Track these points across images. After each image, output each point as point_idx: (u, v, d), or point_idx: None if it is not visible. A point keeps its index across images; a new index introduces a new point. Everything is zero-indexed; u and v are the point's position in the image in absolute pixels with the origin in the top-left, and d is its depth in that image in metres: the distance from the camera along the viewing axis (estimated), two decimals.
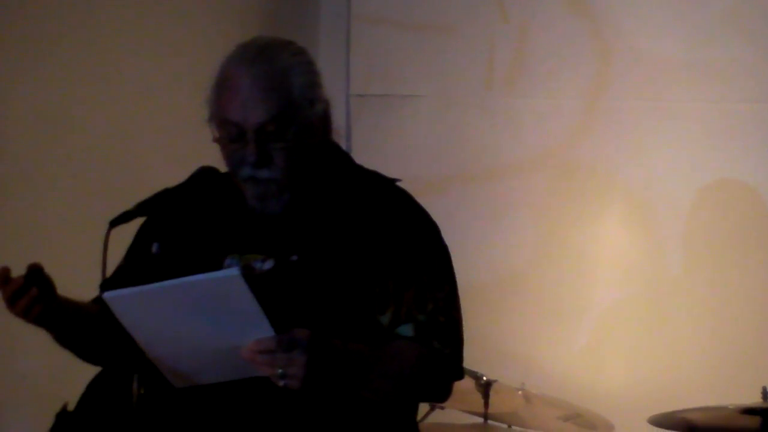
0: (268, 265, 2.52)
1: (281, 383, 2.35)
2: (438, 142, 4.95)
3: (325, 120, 2.58)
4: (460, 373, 2.56)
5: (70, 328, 2.54)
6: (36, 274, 2.44)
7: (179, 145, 4.05)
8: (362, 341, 2.46)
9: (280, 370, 2.34)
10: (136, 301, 2.39)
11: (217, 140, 2.53)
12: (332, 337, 2.41)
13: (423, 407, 3.91)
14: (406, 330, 2.48)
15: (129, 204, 2.58)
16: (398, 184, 2.63)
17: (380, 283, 2.50)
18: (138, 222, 2.61)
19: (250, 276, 2.37)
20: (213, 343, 2.39)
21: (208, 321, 2.36)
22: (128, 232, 2.59)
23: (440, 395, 2.57)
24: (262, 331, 2.34)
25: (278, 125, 2.49)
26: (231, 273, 2.34)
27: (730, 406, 3.44)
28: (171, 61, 4.46)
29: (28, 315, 2.44)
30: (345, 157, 2.66)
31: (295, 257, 2.50)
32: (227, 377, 2.44)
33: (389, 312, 2.49)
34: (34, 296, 2.42)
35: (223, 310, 2.35)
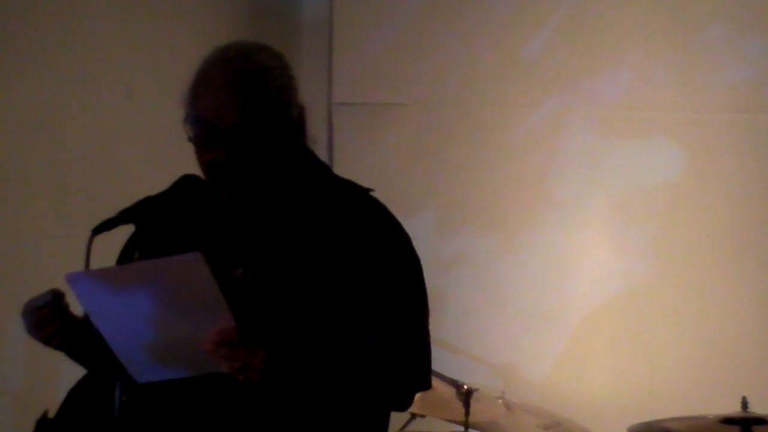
0: (240, 270, 2.52)
1: (241, 377, 2.35)
2: (420, 151, 4.95)
3: (300, 125, 2.58)
4: (426, 382, 2.54)
5: (84, 347, 2.55)
6: (59, 300, 2.48)
7: (162, 151, 4.04)
8: (327, 344, 2.45)
9: (239, 364, 2.34)
10: (98, 283, 2.37)
11: (191, 140, 2.53)
12: (294, 336, 2.42)
13: (403, 416, 3.93)
14: (371, 336, 2.47)
15: (112, 211, 2.58)
16: (373, 193, 2.63)
17: (348, 290, 2.49)
18: (122, 230, 2.60)
19: (222, 279, 2.36)
20: (173, 331, 2.37)
21: (169, 306, 2.35)
22: (110, 239, 2.59)
23: (401, 403, 2.55)
24: (223, 318, 2.33)
25: (252, 125, 2.49)
26: (193, 255, 2.32)
27: (710, 416, 3.45)
28: (153, 66, 4.46)
29: (51, 341, 2.52)
30: (319, 165, 2.66)
31: (240, 270, 2.50)
32: (188, 372, 2.43)
33: (356, 318, 2.48)
34: (57, 325, 2.49)
35: (185, 294, 2.34)
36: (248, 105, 2.49)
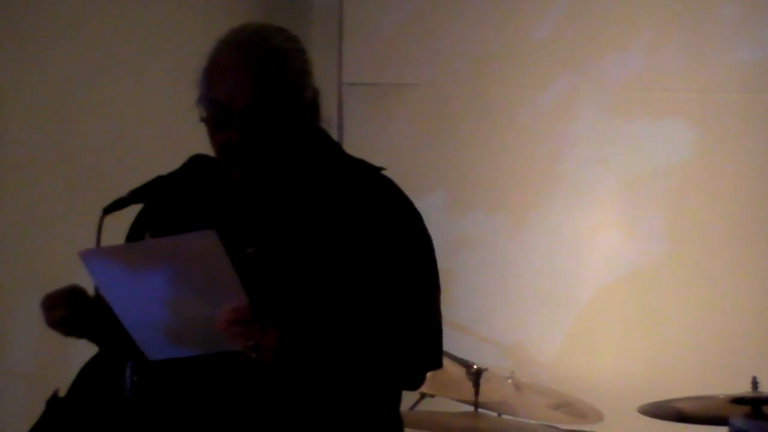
0: (252, 250, 2.53)
1: (254, 355, 2.36)
2: (429, 131, 4.95)
3: (314, 108, 2.58)
4: (437, 361, 2.55)
5: (96, 325, 2.56)
6: (70, 296, 2.51)
7: (174, 134, 4.05)
8: (339, 324, 2.46)
9: (252, 342, 2.35)
10: (111, 260, 2.38)
11: (203, 120, 2.53)
12: (307, 316, 2.42)
13: (413, 396, 3.94)
14: (384, 315, 2.48)
15: (123, 192, 2.58)
16: (384, 173, 2.63)
17: (361, 269, 2.50)
18: (134, 210, 2.61)
19: (234, 258, 2.36)
20: (186, 309, 2.38)
21: (182, 284, 2.35)
22: (122, 219, 2.59)
23: (413, 382, 2.55)
24: (236, 297, 2.34)
25: (265, 109, 2.49)
26: (206, 233, 2.32)
27: (720, 396, 3.45)
28: (164, 49, 4.47)
29: (59, 328, 2.55)
30: (333, 145, 2.66)
31: (252, 249, 2.51)
32: (200, 350, 2.43)
33: (368, 296, 2.48)
34: (64, 314, 2.52)
35: (198, 272, 2.34)
36: (262, 88, 2.49)
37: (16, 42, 4.14)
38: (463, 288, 4.73)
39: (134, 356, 2.48)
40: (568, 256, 4.81)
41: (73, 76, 4.26)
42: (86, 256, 2.39)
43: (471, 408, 3.88)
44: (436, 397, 4.02)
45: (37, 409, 2.61)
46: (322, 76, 2.63)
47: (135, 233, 2.64)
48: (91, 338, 2.60)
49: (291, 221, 2.55)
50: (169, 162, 2.69)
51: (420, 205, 2.62)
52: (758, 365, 3.51)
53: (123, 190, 2.59)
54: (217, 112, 2.51)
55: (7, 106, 4.11)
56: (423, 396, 4.01)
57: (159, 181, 2.61)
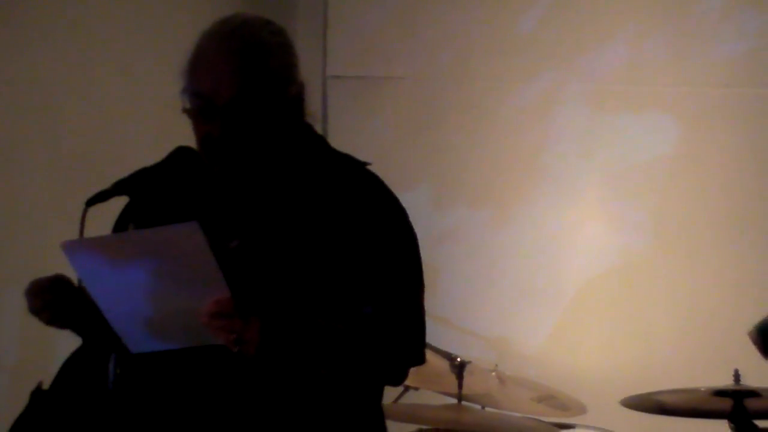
0: (235, 243, 2.53)
1: (236, 348, 2.36)
2: (414, 125, 4.96)
3: (299, 102, 2.58)
4: (420, 357, 2.54)
5: (79, 317, 2.56)
6: (55, 283, 2.50)
7: (159, 125, 4.05)
8: (322, 318, 2.46)
9: (234, 336, 2.35)
10: (94, 251, 2.38)
11: (186, 111, 2.53)
12: (289, 310, 2.42)
13: (397, 389, 3.94)
14: (367, 309, 2.48)
15: (104, 184, 2.58)
16: (368, 167, 2.63)
17: (344, 263, 2.49)
18: (117, 202, 2.61)
19: (217, 252, 2.36)
20: (169, 301, 2.38)
21: (165, 276, 2.35)
22: (106, 211, 2.59)
23: (395, 377, 2.55)
24: (218, 290, 2.34)
25: (248, 103, 2.48)
26: (189, 225, 2.32)
27: (703, 388, 3.46)
28: (150, 41, 4.46)
29: (50, 323, 2.54)
30: (318, 139, 2.66)
31: (234, 243, 2.51)
32: (183, 343, 2.43)
33: (352, 292, 2.48)
34: (43, 303, 2.51)
35: (180, 263, 2.34)
36: (245, 82, 2.48)
37: (2, 34, 4.13)
38: (447, 281, 4.74)
39: (117, 349, 2.48)
40: (552, 250, 4.82)
41: (59, 68, 4.26)
42: (69, 247, 2.39)
43: (455, 401, 3.89)
44: (420, 389, 4.02)
45: (22, 401, 2.60)
46: (306, 68, 2.63)
47: (120, 226, 2.64)
48: (74, 329, 2.60)
49: (275, 215, 2.55)
50: (155, 154, 2.69)
51: (404, 198, 2.63)
52: (740, 358, 3.50)
53: (108, 183, 2.58)
54: (200, 105, 2.50)
55: None
56: (407, 389, 4.02)
57: (143, 173, 2.60)
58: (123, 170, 2.62)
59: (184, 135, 2.61)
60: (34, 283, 2.53)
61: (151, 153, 2.69)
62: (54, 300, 2.51)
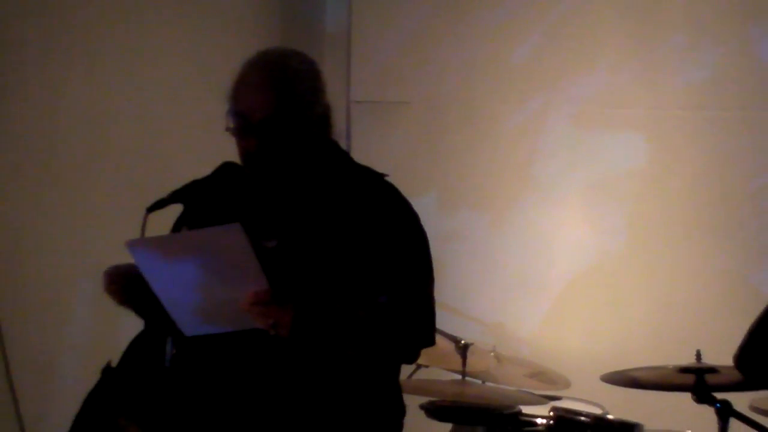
0: (273, 243, 2.55)
1: (273, 332, 2.38)
2: (424, 141, 4.95)
3: (325, 121, 2.59)
4: (430, 339, 2.56)
5: (143, 304, 2.58)
6: (129, 271, 2.52)
7: (204, 143, 4.07)
8: (347, 306, 2.48)
9: (271, 321, 2.36)
10: (152, 249, 2.38)
11: (228, 130, 2.55)
12: (318, 299, 2.44)
13: (410, 366, 3.95)
14: (383, 299, 2.50)
15: (161, 193, 2.60)
16: (386, 179, 2.65)
17: (365, 260, 2.51)
18: (172, 210, 2.63)
19: (256, 251, 2.37)
20: (216, 292, 2.38)
21: (212, 270, 2.36)
22: (163, 217, 2.62)
23: (409, 357, 2.57)
24: (257, 282, 2.35)
25: (279, 121, 2.50)
26: (233, 225, 2.33)
27: (670, 366, 3.45)
28: (197, 67, 4.45)
29: (114, 296, 2.57)
30: (342, 153, 2.68)
31: (272, 243, 2.52)
32: (228, 327, 2.44)
33: (372, 284, 2.50)
34: (117, 286, 2.54)
35: (226, 259, 2.35)
36: (277, 104, 2.50)
37: (77, 66, 4.13)
38: (452, 275, 4.73)
39: (173, 332, 2.50)
40: (542, 248, 4.81)
41: (117, 90, 4.23)
42: (132, 245, 2.41)
43: (459, 377, 3.89)
44: (430, 367, 4.03)
45: (93, 377, 2.64)
46: (332, 94, 2.64)
47: (176, 229, 2.66)
48: (139, 312, 2.61)
49: (306, 219, 2.57)
50: (199, 165, 2.71)
51: (416, 204, 2.64)
52: (702, 340, 3.51)
53: (160, 192, 2.60)
54: (239, 123, 2.53)
55: (63, 116, 4.10)
56: (419, 366, 4.01)
57: (194, 184, 2.61)
58: (174, 182, 2.64)
59: (225, 152, 2.64)
60: (113, 268, 2.55)
61: (195, 167, 2.71)
62: (127, 285, 2.54)
